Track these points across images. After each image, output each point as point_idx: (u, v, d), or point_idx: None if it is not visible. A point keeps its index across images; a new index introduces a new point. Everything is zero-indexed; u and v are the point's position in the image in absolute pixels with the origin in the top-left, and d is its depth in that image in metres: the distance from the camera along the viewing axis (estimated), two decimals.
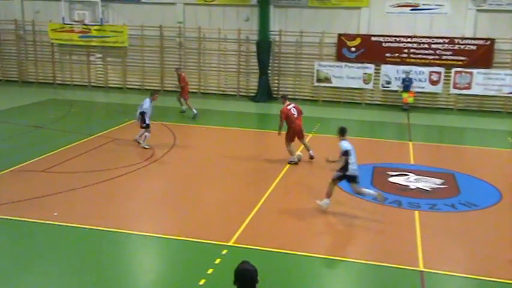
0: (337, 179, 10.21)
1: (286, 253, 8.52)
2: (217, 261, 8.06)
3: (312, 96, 23.01)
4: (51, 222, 9.43)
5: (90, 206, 10.36)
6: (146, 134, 14.64)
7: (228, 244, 8.69)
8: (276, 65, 23.17)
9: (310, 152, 13.63)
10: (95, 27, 23.95)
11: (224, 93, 23.75)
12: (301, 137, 13.54)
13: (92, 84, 24.90)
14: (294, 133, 13.29)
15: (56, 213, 9.76)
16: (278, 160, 13.66)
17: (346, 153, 9.89)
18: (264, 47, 22.26)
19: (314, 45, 22.48)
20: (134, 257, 8.65)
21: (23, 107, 19.99)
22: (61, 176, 12.07)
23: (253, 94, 23.11)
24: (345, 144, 10.06)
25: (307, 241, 9.08)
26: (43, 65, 25.31)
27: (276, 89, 23.29)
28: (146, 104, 14.70)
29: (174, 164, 13.33)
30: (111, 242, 8.85)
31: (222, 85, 23.81)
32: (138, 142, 14.77)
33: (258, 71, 22.80)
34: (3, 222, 9.45)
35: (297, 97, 22.92)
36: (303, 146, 13.79)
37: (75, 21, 23.98)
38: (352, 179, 10.10)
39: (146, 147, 14.57)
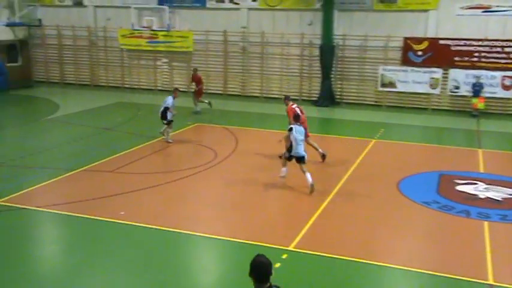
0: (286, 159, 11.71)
1: (347, 260, 8.38)
2: (277, 265, 8.05)
3: (376, 101, 22.56)
4: (117, 220, 9.77)
5: (155, 206, 10.65)
6: (168, 129, 15.56)
7: (289, 249, 8.66)
8: (339, 69, 22.92)
9: (320, 150, 13.78)
10: (162, 33, 24.67)
11: None
12: (306, 137, 13.00)
13: (159, 88, 25.64)
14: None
15: (122, 213, 10.10)
16: (340, 165, 13.49)
17: (290, 130, 11.41)
18: (327, 51, 22.08)
19: (379, 49, 22.06)
20: (195, 257, 8.80)
21: (93, 110, 20.89)
22: (128, 177, 12.49)
23: (315, 98, 22.97)
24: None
25: (369, 249, 8.88)
26: (113, 70, 26.36)
27: (338, 93, 23.03)
28: (169, 100, 15.63)
29: (236, 167, 13.45)
30: (174, 243, 9.04)
31: (284, 89, 23.81)
32: (163, 134, 15.68)
33: (320, 75, 22.65)
34: (74, 219, 9.89)
35: (360, 102, 22.58)
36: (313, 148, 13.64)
37: (144, 27, 24.81)
38: (298, 160, 11.49)
39: (170, 141, 15.45)
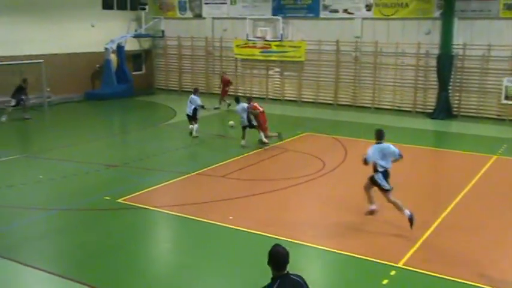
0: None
1: (459, 282, 7.84)
2: (385, 281, 7.78)
3: (499, 115, 21.02)
4: (226, 225, 10.05)
5: (263, 212, 10.81)
6: (196, 125, 17.21)
7: (397, 265, 8.33)
8: (457, 80, 21.71)
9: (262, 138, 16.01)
10: (275, 43, 25.11)
11: (399, 109, 22.98)
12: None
13: (270, 96, 26.10)
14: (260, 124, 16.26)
15: (231, 217, 10.37)
16: (457, 180, 12.75)
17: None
18: (446, 62, 21.03)
19: (503, 59, 20.56)
20: (300, 267, 8.77)
21: (208, 117, 21.73)
22: (238, 183, 12.82)
23: (430, 111, 21.95)
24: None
25: (484, 272, 8.23)
26: None
27: (456, 105, 21.81)
28: (198, 100, 17.19)
29: (344, 179, 13.24)
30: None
31: (397, 101, 23.09)
32: (191, 133, 17.22)
33: (437, 86, 21.63)
34: (187, 221, 10.34)
35: (480, 115, 21.19)
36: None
37: (258, 38, 25.44)
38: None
39: (196, 135, 17.16)
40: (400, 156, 9.71)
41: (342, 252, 8.90)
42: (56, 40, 23.58)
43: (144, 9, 27.46)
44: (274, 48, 25.22)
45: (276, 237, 9.42)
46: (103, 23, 25.66)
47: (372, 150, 9.75)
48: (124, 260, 8.70)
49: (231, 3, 26.39)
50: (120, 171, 13.72)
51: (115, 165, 14.16)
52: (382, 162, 9.68)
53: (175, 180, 12.88)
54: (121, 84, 25.85)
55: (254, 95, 26.36)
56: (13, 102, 19.70)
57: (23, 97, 19.84)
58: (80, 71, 24.66)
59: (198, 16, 27.48)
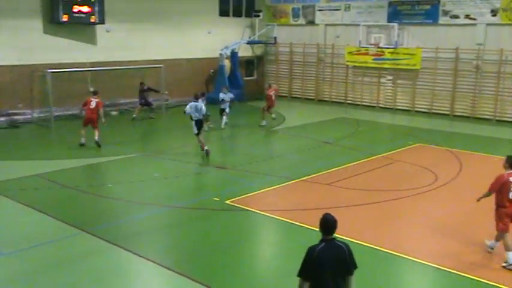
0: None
1: None
2: None
3: None
4: None
5: (367, 223, 10.54)
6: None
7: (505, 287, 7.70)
8: None
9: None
10: (389, 50, 24.42)
11: None
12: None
13: (380, 105, 25.42)
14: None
15: None
16: None
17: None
18: None
19: None
20: (404, 281, 8.43)
21: (316, 123, 21.74)
22: (344, 191, 12.61)
23: None
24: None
25: None
26: (337, 86, 27.06)
27: None
28: (204, 107, 15.55)
29: (457, 194, 12.49)
30: (382, 262, 8.81)
31: None
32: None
33: None
34: (293, 227, 10.34)
35: None
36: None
37: (371, 44, 24.91)
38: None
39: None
40: None
41: (449, 270, 8.40)
42: (177, 46, 24.95)
43: (259, 16, 28.11)
44: (388, 56, 24.54)
45: (379, 248, 9.16)
46: (219, 30, 26.69)
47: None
48: (230, 260, 8.89)
49: (345, 10, 26.13)
50: (228, 173, 14.13)
51: (224, 167, 14.61)
52: None
53: (282, 185, 12.99)
54: (233, 89, 26.58)
55: (364, 103, 25.95)
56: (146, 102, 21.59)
57: (145, 99, 21.44)
58: (195, 75, 25.84)
59: (311, 23, 27.55)
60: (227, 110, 19.64)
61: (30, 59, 20.09)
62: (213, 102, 19.69)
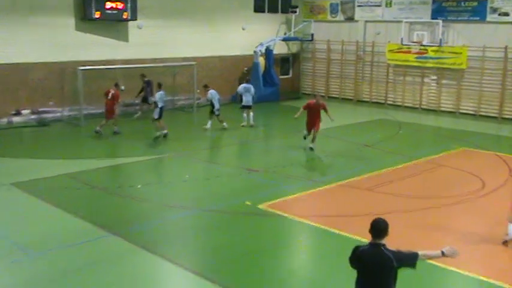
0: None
1: None
2: None
3: None
4: (363, 239, 9.16)
5: (409, 231, 9.65)
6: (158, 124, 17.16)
7: None
8: None
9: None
10: (433, 48, 23.29)
11: None
12: None
13: (423, 106, 24.29)
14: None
15: None
16: None
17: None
18: None
19: None
20: None
21: (354, 125, 20.84)
22: (384, 197, 11.89)
23: None
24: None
25: None
26: (377, 85, 26.03)
27: None
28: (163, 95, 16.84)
29: (506, 202, 11.49)
30: (426, 275, 7.98)
31: None
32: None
33: None
34: (329, 234, 9.72)
35: None
36: None
37: (414, 42, 23.84)
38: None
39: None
40: None
41: (489, 280, 7.79)
42: (210, 43, 24.41)
43: (295, 11, 27.31)
44: (432, 54, 23.39)
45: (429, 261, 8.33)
46: (253, 26, 26.02)
47: None
48: (261, 267, 8.44)
49: (386, 6, 25.10)
50: (261, 176, 13.49)
51: (256, 170, 13.97)
52: None
53: (317, 189, 12.32)
54: (267, 87, 25.96)
55: (406, 104, 24.87)
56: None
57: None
58: (229, 73, 25.26)
59: (350, 19, 26.60)
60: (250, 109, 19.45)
61: (61, 56, 19.88)
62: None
